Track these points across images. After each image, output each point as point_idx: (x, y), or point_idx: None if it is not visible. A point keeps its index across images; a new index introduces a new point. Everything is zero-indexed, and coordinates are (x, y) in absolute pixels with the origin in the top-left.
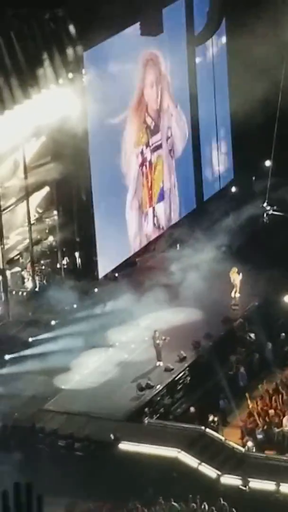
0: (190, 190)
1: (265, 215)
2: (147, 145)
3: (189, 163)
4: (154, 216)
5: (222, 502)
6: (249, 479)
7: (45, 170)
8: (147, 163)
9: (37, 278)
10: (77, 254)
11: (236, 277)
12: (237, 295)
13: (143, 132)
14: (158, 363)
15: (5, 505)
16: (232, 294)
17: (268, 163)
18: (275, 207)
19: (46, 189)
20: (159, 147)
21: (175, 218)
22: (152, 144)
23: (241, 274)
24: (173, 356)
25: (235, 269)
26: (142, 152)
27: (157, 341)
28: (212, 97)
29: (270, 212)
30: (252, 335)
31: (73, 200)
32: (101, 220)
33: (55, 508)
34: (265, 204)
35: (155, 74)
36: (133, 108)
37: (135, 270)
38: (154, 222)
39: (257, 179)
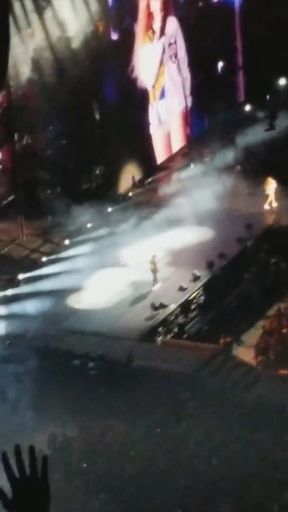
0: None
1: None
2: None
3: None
4: (156, 112)
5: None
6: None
7: None
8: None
9: None
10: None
11: (271, 187)
12: (274, 204)
13: (150, 36)
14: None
15: (7, 466)
16: (266, 206)
17: (282, 81)
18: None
19: None
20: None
21: (177, 120)
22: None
23: (275, 183)
24: (187, 275)
25: (269, 179)
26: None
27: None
28: None
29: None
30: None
31: (86, 119)
32: (114, 139)
33: (69, 427)
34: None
35: None
36: (142, 16)
37: (148, 189)
38: (158, 117)
39: (271, 97)
